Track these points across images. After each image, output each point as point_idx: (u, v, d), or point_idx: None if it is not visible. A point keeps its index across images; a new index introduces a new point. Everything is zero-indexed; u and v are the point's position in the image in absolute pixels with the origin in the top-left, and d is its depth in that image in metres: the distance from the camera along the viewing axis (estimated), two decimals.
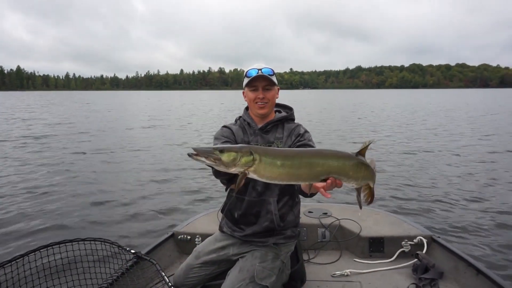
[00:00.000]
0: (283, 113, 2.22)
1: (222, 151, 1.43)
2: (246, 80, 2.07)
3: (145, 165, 8.69)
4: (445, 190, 6.35)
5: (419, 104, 38.80)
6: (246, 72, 2.08)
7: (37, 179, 7.25)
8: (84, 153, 10.23)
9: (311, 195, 1.86)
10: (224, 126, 2.23)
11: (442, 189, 6.42)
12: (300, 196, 2.16)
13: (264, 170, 1.46)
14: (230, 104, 43.66)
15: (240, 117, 2.28)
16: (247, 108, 2.23)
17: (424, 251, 2.59)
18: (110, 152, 10.43)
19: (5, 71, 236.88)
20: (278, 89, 2.16)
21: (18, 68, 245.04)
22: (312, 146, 2.02)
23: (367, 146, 1.56)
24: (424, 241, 2.65)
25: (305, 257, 2.71)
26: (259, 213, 2.09)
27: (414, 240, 2.69)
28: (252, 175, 1.47)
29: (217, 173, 1.72)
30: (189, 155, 1.42)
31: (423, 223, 4.46)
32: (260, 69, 2.04)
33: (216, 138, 2.12)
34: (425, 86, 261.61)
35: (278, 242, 2.11)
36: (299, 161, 1.49)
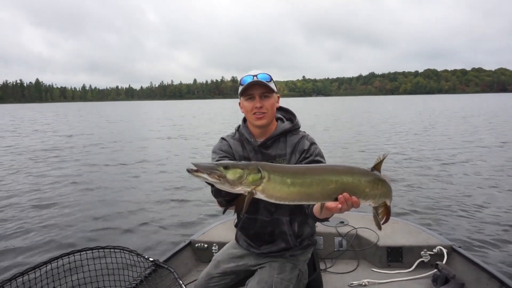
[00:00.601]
0: (286, 123, 2.00)
1: (227, 167, 1.32)
2: (240, 88, 1.87)
3: (163, 175, 8.77)
4: (464, 199, 6.21)
5: (435, 111, 38.14)
6: (241, 79, 1.88)
7: (58, 189, 7.44)
8: (105, 165, 10.36)
9: (324, 219, 1.70)
10: (223, 139, 2.06)
11: (461, 198, 6.28)
12: None
13: (274, 190, 1.35)
14: None
15: (239, 127, 2.08)
16: (245, 120, 2.03)
17: (444, 261, 2.53)
18: (129, 163, 10.55)
19: (25, 84, 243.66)
20: (278, 97, 1.96)
21: (37, 81, 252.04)
22: (322, 162, 1.85)
23: (382, 160, 1.46)
24: (444, 251, 2.58)
25: (321, 266, 2.69)
26: (273, 232, 1.98)
27: (433, 250, 2.63)
28: (259, 195, 1.36)
29: (217, 193, 1.56)
30: (189, 171, 1.30)
31: (442, 232, 4.36)
32: (256, 75, 1.84)
33: (214, 152, 1.98)
34: (440, 91, 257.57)
35: (295, 254, 2.03)
36: (311, 179, 1.38)
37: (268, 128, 1.94)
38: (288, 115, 2.08)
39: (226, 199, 1.66)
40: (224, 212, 1.84)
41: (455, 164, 9.29)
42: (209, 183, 1.37)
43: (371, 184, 1.42)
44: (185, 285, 1.93)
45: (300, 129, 2.04)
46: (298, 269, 2.04)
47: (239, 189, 1.34)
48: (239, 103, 1.95)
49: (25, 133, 20.94)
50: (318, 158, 1.86)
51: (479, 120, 24.28)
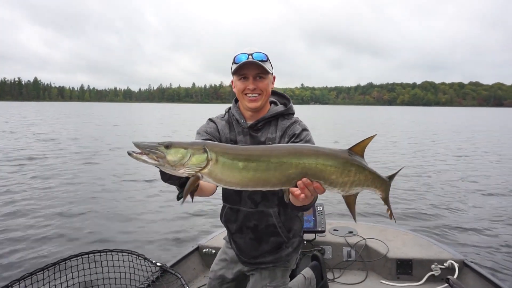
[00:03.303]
0: (279, 107, 1.86)
1: (168, 146, 1.16)
2: (234, 67, 1.71)
3: None
4: (475, 213, 6.16)
5: (438, 123, 38.25)
6: (235, 57, 1.72)
7: (67, 191, 7.37)
8: (113, 169, 10.15)
9: (301, 208, 1.48)
10: (210, 120, 1.92)
11: (472, 212, 6.24)
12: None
13: (222, 174, 1.19)
14: None
15: (229, 108, 1.95)
16: (236, 100, 1.89)
17: (455, 276, 2.47)
18: (137, 167, 10.31)
19: (23, 82, 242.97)
20: (274, 78, 1.83)
21: (35, 79, 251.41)
22: None
23: (365, 142, 1.26)
24: (456, 265, 2.53)
25: (329, 276, 2.68)
26: (257, 226, 1.81)
27: (444, 264, 2.57)
28: (206, 179, 1.21)
29: (163, 176, 1.35)
30: (129, 153, 1.15)
31: (453, 246, 4.31)
32: (251, 54, 1.68)
33: (198, 133, 1.83)
34: (437, 104, 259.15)
35: (289, 258, 1.92)
36: (267, 162, 1.20)
37: (261, 111, 1.80)
38: (283, 99, 1.95)
39: (175, 183, 1.39)
40: (178, 198, 1.43)
41: (467, 178, 9.20)
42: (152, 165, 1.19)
43: (339, 169, 1.21)
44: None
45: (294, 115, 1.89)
46: (290, 268, 1.96)
47: (181, 172, 1.18)
48: (232, 81, 1.82)
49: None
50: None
51: (484, 133, 24.36)
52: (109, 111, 67.01)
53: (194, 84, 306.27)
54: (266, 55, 1.71)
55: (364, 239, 2.87)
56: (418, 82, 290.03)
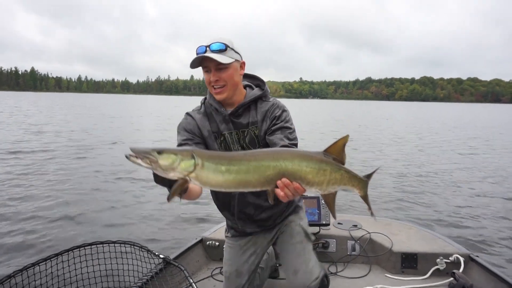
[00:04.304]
0: (256, 90, 1.90)
1: (160, 152, 1.28)
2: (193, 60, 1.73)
3: None
4: (480, 207, 6.15)
5: (440, 118, 38.24)
6: (196, 49, 1.73)
7: (69, 180, 7.39)
8: (114, 161, 10.00)
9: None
10: (188, 114, 1.93)
11: (478, 206, 6.23)
12: None
13: (207, 177, 1.31)
14: None
15: (205, 99, 1.95)
16: None
17: (461, 270, 2.45)
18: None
19: (20, 72, 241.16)
20: (243, 64, 1.83)
21: (32, 69, 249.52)
22: (290, 128, 1.79)
23: (339, 142, 1.34)
24: (461, 259, 2.52)
25: (333, 269, 2.68)
26: (256, 208, 1.94)
27: (450, 258, 2.56)
28: (194, 182, 1.32)
29: (156, 178, 1.47)
30: (126, 156, 1.26)
31: (458, 240, 4.26)
32: (209, 46, 1.69)
33: (178, 132, 1.88)
34: (435, 99, 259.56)
35: (289, 215, 2.06)
36: (247, 165, 1.32)
37: (236, 97, 1.83)
38: (256, 81, 1.98)
39: (166, 185, 1.49)
40: (168, 200, 1.54)
41: (473, 172, 9.21)
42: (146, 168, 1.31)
43: (314, 170, 1.30)
44: (195, 283, 1.93)
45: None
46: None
47: (172, 175, 1.30)
48: None
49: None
50: (287, 124, 1.79)
51: (488, 129, 24.39)
52: (108, 103, 66.66)
53: (192, 76, 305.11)
54: (225, 44, 1.70)
55: (369, 233, 2.86)
56: (417, 77, 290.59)
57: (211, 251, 2.86)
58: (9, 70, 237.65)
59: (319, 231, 2.86)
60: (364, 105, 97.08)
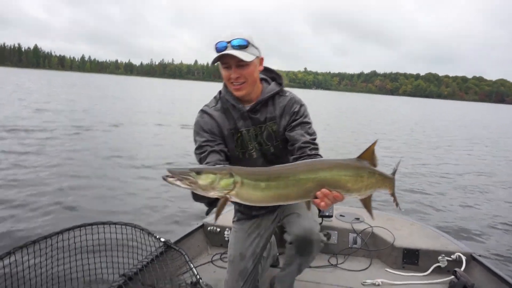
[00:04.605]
0: (273, 85, 1.88)
1: (199, 172, 1.30)
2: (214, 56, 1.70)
3: (179, 155, 8.63)
4: (483, 206, 6.15)
5: (447, 116, 38.00)
6: (216, 44, 1.69)
7: (69, 161, 7.36)
8: (117, 143, 9.99)
9: None
10: (204, 112, 1.88)
11: (483, 206, 6.21)
12: None
13: (248, 194, 1.33)
14: None
15: (220, 93, 1.91)
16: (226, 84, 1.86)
17: (462, 269, 2.44)
18: (142, 143, 10.26)
19: (23, 49, 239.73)
20: (262, 60, 1.80)
21: (35, 47, 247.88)
22: (308, 122, 1.80)
23: (370, 148, 1.38)
24: (463, 258, 2.50)
25: (333, 261, 2.68)
26: None
27: (451, 256, 2.55)
28: (234, 199, 1.35)
29: (195, 197, 1.53)
30: (164, 178, 1.29)
31: (460, 239, 4.21)
32: (230, 41, 1.65)
33: (196, 133, 1.84)
34: (439, 96, 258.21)
35: None
36: (286, 180, 1.34)
37: (253, 92, 1.81)
38: (271, 74, 1.95)
39: (205, 202, 1.60)
40: (207, 214, 1.79)
41: (478, 172, 9.15)
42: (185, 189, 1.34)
43: (353, 178, 1.35)
44: (195, 268, 1.93)
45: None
46: None
47: (212, 194, 1.32)
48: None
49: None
50: (306, 119, 1.81)
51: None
52: (112, 84, 66.35)
53: (196, 61, 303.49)
54: (246, 40, 1.67)
55: (371, 226, 2.85)
56: (422, 73, 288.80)
57: (212, 236, 2.85)
58: (12, 47, 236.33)
59: (321, 222, 2.84)
60: (373, 99, 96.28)
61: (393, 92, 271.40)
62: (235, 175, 1.31)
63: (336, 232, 2.82)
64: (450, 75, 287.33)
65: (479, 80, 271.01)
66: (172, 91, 52.47)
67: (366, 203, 1.47)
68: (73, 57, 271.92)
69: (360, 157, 1.38)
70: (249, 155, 1.90)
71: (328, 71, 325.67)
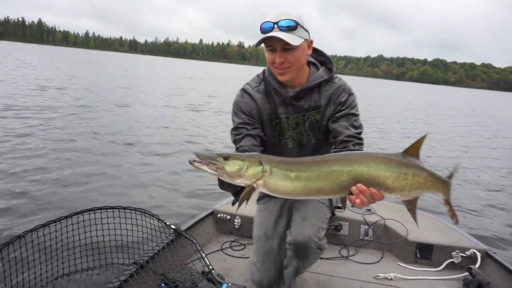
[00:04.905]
0: (321, 72, 1.73)
1: (227, 158, 1.23)
2: (260, 37, 1.58)
3: (190, 142, 8.45)
4: (501, 201, 5.95)
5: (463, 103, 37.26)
6: (261, 24, 1.57)
7: (75, 142, 7.19)
8: (134, 122, 9.90)
9: None
10: (246, 92, 1.77)
11: (496, 200, 6.02)
12: None
13: (276, 184, 1.25)
14: None
15: (264, 73, 1.79)
16: None
17: (477, 265, 2.38)
18: (152, 127, 9.88)
19: (27, 23, 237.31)
20: (311, 42, 1.65)
21: (39, 21, 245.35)
22: (355, 114, 1.66)
23: (418, 143, 1.22)
24: (478, 255, 2.44)
25: (344, 253, 2.65)
26: None
27: (466, 252, 2.48)
28: (261, 189, 1.27)
29: (222, 184, 1.47)
30: (190, 162, 1.24)
31: (474, 234, 4.15)
32: (276, 22, 1.52)
33: (235, 113, 1.76)
34: (445, 83, 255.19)
35: None
36: (318, 172, 1.24)
37: (299, 77, 1.69)
38: (320, 57, 1.80)
39: (231, 191, 1.53)
40: (233, 204, 1.68)
41: (494, 166, 8.86)
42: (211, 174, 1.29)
43: (394, 174, 1.19)
44: (206, 255, 1.90)
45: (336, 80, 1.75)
46: None
47: (238, 182, 1.26)
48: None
49: None
50: (353, 111, 1.67)
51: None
52: (117, 61, 65.61)
53: (201, 40, 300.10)
54: (295, 21, 1.53)
55: (383, 219, 2.79)
56: (429, 59, 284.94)
57: (221, 224, 2.82)
58: (15, 20, 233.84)
59: (334, 215, 2.81)
60: (378, 84, 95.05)
61: (398, 77, 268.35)
62: (264, 163, 1.24)
63: (347, 223, 2.77)
64: (458, 61, 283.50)
65: (487, 67, 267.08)
66: (178, 71, 51.85)
67: (411, 206, 1.29)
68: (77, 33, 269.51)
69: (406, 152, 1.22)
70: (285, 144, 1.81)
71: (334, 54, 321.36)
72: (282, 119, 1.76)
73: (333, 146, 1.67)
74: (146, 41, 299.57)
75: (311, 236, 1.74)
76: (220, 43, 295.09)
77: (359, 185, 1.20)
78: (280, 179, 1.24)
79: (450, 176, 1.28)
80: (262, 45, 1.61)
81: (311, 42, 1.66)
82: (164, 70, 51.76)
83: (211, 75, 48.90)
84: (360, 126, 1.66)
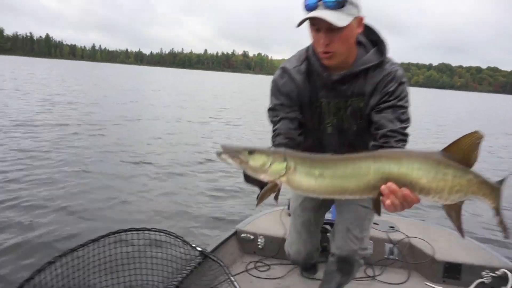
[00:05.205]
0: (371, 56, 1.54)
1: (251, 152, 1.20)
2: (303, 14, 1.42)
3: (205, 160, 8.10)
4: None
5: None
6: (305, 1, 1.41)
7: (90, 161, 7.01)
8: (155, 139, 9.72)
9: None
10: (286, 72, 1.63)
11: None
12: None
13: (299, 182, 1.20)
14: None
15: (306, 51, 1.62)
16: None
17: (509, 286, 2.29)
18: (181, 144, 9.66)
19: (35, 38, 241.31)
20: (361, 20, 1.44)
21: (47, 36, 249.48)
22: (403, 107, 1.48)
23: (468, 139, 1.07)
24: (509, 275, 2.34)
25: (370, 273, 2.60)
26: None
27: (496, 272, 2.38)
28: (285, 186, 1.23)
29: (246, 178, 1.42)
30: (217, 154, 1.23)
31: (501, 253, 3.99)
32: None
33: (272, 94, 1.65)
34: (451, 87, 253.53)
35: None
36: (343, 169, 1.17)
37: (346, 59, 1.52)
38: (372, 35, 1.59)
39: (257, 185, 1.44)
40: (258, 203, 1.56)
41: None
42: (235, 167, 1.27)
43: (430, 173, 1.06)
44: (233, 277, 1.89)
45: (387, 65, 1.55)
46: None
47: (262, 177, 1.22)
48: None
49: None
50: (401, 102, 1.48)
51: None
52: (123, 74, 66.12)
53: (206, 50, 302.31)
54: None
55: (408, 237, 2.73)
56: (435, 63, 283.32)
57: (245, 244, 2.78)
58: (24, 36, 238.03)
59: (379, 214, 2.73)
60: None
61: None
62: (288, 159, 1.19)
63: (371, 241, 2.68)
64: (464, 65, 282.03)
65: (493, 70, 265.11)
66: (183, 81, 52.13)
67: (452, 213, 1.16)
68: (84, 46, 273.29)
69: (447, 150, 1.09)
70: (324, 129, 1.68)
71: None
72: (322, 103, 1.63)
73: (374, 139, 1.53)
74: (151, 52, 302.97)
75: (357, 250, 1.72)
76: (225, 53, 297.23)
77: (390, 183, 1.09)
78: (304, 176, 1.19)
79: (501, 182, 1.13)
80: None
81: (361, 19, 1.45)
82: (171, 81, 52.09)
83: (218, 86, 49.02)
84: (407, 120, 1.49)
